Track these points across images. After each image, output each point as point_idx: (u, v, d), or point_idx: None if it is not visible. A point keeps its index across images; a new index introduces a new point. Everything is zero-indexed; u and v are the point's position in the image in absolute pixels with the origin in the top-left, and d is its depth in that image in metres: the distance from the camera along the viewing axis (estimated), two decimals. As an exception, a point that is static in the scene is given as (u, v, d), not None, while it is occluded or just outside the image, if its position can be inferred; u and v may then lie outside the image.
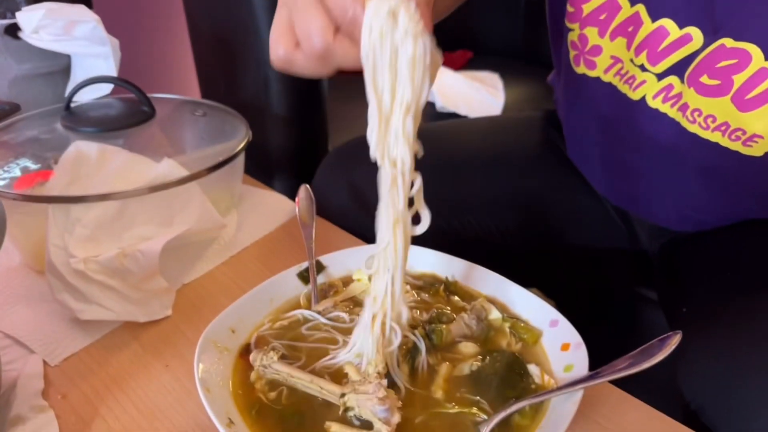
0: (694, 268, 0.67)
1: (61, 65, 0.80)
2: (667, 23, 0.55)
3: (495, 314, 0.53)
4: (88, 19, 0.69)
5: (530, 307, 0.53)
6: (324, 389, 0.45)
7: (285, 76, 0.86)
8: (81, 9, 0.71)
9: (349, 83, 1.06)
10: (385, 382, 0.43)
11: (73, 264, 0.55)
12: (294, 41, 0.38)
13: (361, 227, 0.70)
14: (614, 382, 0.50)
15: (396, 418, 0.42)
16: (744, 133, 0.54)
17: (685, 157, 0.60)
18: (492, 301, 0.54)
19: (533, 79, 1.22)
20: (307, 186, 0.66)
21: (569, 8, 0.61)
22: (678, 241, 0.71)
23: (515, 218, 0.76)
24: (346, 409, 0.43)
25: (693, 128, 0.57)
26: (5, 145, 0.72)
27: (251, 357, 0.48)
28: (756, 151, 0.55)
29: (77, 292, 0.55)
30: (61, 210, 0.58)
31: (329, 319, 0.53)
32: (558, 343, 0.49)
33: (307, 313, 0.53)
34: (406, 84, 0.37)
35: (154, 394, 0.50)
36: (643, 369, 0.43)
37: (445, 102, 1.11)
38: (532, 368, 0.47)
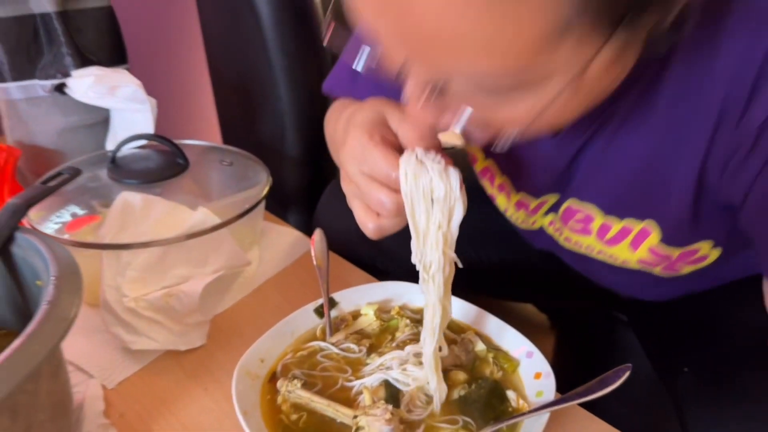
0: (690, 322, 0.73)
1: (102, 117, 0.90)
2: (524, 197, 0.65)
3: (480, 346, 0.63)
4: (130, 84, 0.80)
5: (510, 339, 0.63)
6: (339, 411, 0.55)
7: (299, 124, 0.97)
8: (124, 74, 0.81)
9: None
10: (390, 407, 0.54)
11: (125, 302, 0.65)
12: (374, 215, 0.49)
13: (359, 250, 0.80)
14: (583, 405, 0.60)
15: (398, 437, 0.52)
16: (617, 258, 0.62)
17: (593, 267, 0.68)
18: (478, 334, 0.64)
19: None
20: (321, 229, 0.76)
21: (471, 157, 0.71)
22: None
23: (491, 241, 0.85)
24: (357, 429, 0.53)
25: (583, 252, 0.65)
26: (57, 194, 0.82)
27: (278, 384, 0.58)
28: (632, 266, 0.63)
29: (128, 326, 0.66)
30: (113, 255, 0.68)
31: (341, 349, 0.63)
32: (532, 372, 0.59)
33: (323, 344, 0.64)
34: (437, 211, 0.47)
35: (197, 413, 0.60)
36: (598, 396, 0.53)
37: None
38: (510, 393, 0.57)
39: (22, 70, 0.86)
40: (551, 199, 0.64)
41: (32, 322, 0.46)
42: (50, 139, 0.89)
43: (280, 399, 0.57)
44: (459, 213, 0.47)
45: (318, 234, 0.75)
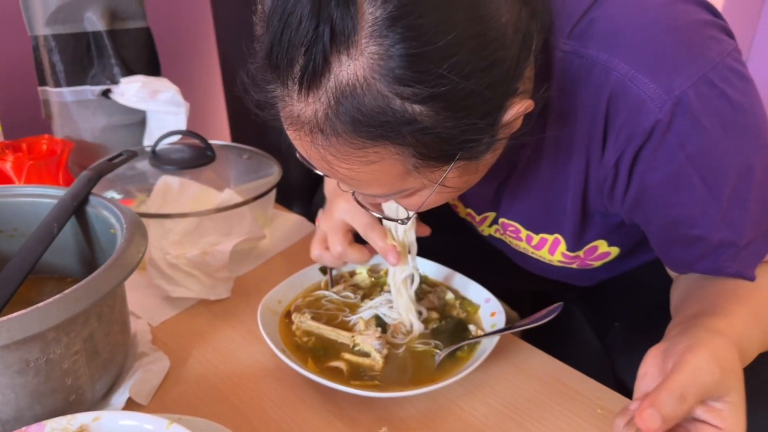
0: (616, 293, 0.90)
1: (139, 119, 1.07)
2: (471, 212, 0.80)
3: (450, 295, 0.80)
4: (169, 89, 0.97)
5: (472, 290, 0.80)
6: (340, 335, 0.71)
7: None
8: (164, 81, 0.99)
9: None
10: (379, 329, 0.70)
11: (169, 259, 0.82)
12: (325, 247, 0.73)
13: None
14: (526, 340, 0.77)
15: (385, 351, 0.69)
16: (544, 258, 0.77)
17: (532, 260, 0.82)
18: (448, 288, 0.82)
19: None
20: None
21: None
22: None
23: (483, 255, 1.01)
24: (354, 345, 0.70)
25: (521, 251, 0.79)
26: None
27: (293, 316, 0.74)
28: (556, 263, 0.78)
29: (169, 278, 0.82)
30: (158, 223, 0.84)
31: (341, 296, 0.80)
32: (488, 312, 0.76)
33: (326, 292, 0.80)
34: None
35: (226, 342, 0.76)
36: (535, 326, 0.70)
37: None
38: (471, 327, 0.74)
39: (75, 78, 1.03)
40: (491, 215, 0.79)
41: (116, 251, 0.63)
42: (94, 136, 1.06)
43: (294, 327, 0.73)
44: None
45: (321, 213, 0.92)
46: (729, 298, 0.59)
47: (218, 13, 1.32)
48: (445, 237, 0.94)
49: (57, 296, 0.54)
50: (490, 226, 0.82)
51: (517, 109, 0.52)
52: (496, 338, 0.70)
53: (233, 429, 0.59)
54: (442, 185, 0.55)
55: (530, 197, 0.71)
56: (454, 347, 0.70)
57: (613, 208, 0.65)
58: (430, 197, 0.58)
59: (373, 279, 0.84)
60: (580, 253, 0.74)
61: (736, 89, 0.55)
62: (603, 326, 0.92)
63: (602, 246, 0.74)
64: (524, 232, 0.75)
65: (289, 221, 1.04)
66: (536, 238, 0.75)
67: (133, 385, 0.66)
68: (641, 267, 0.85)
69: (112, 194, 0.97)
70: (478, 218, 0.81)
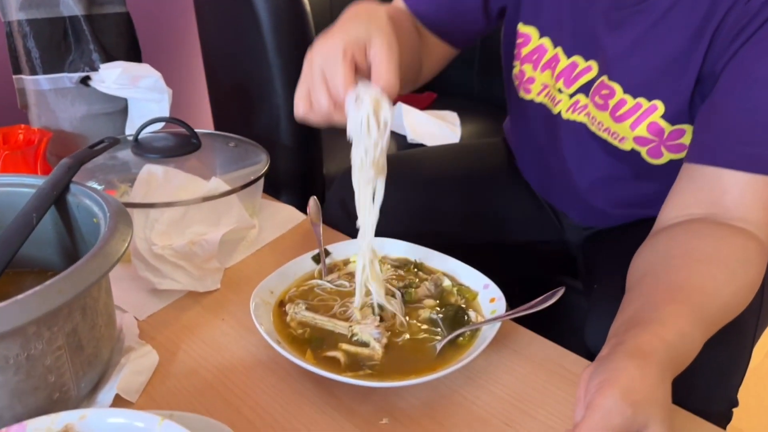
0: (603, 255, 0.92)
1: (120, 107, 1.04)
2: (577, 59, 0.81)
3: (447, 282, 0.77)
4: (151, 75, 0.94)
5: (470, 276, 0.78)
6: (337, 325, 0.69)
7: (294, 117, 1.11)
8: (146, 67, 0.95)
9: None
10: (378, 318, 0.68)
11: (155, 250, 0.78)
12: (309, 105, 0.63)
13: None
14: (527, 326, 0.75)
15: (384, 340, 0.66)
16: (618, 135, 0.79)
17: (589, 150, 0.85)
18: (445, 274, 0.79)
19: (484, 117, 1.50)
20: (315, 197, 0.91)
21: (515, 51, 0.87)
22: (594, 235, 0.98)
23: (475, 222, 1.00)
24: (352, 335, 0.67)
25: (593, 129, 0.82)
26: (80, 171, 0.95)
27: (287, 307, 0.72)
28: (626, 146, 0.79)
29: (156, 270, 0.79)
30: (142, 213, 0.81)
31: (335, 285, 0.77)
32: (488, 298, 0.74)
33: (320, 282, 0.78)
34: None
35: (217, 336, 0.74)
36: (537, 310, 0.68)
37: (413, 135, 1.37)
38: (471, 313, 0.72)
39: (52, 65, 0.99)
40: (590, 73, 0.79)
41: (99, 241, 0.59)
42: (74, 125, 1.02)
43: (288, 318, 0.71)
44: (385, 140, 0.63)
45: (312, 200, 0.90)
46: (673, 295, 0.58)
47: (199, -3, 1.28)
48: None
49: (37, 288, 0.51)
50: (576, 93, 0.81)
51: None
52: (497, 325, 0.68)
53: (227, 423, 0.57)
54: None
55: (649, 53, 0.72)
56: (454, 334, 0.68)
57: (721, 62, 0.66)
58: None
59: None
60: (669, 129, 0.74)
61: None
62: (589, 284, 0.92)
63: (686, 136, 0.75)
64: (619, 96, 0.75)
65: (279, 211, 1.01)
66: (629, 104, 0.75)
67: (120, 381, 0.63)
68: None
69: (94, 185, 0.93)
70: (575, 72, 0.80)
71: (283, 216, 1.00)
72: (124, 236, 0.61)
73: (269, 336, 0.65)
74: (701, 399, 0.68)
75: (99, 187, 0.92)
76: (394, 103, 0.69)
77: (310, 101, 0.62)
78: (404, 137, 1.39)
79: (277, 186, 1.14)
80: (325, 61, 0.60)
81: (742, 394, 0.75)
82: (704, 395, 0.69)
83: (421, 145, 1.36)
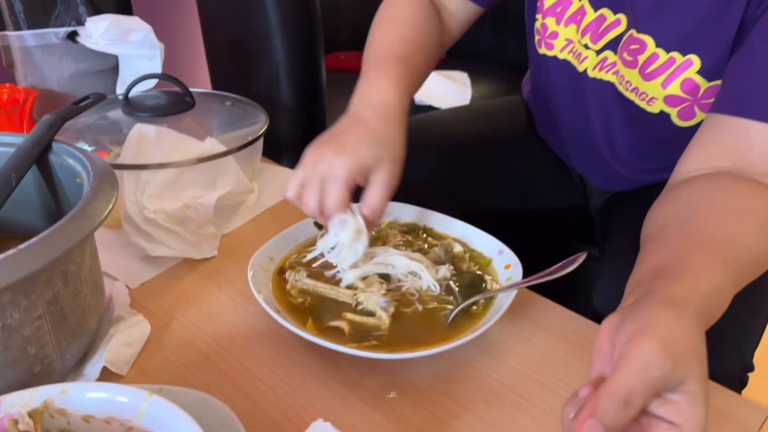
0: (619, 216, 0.88)
1: (110, 65, 0.98)
2: (605, 11, 0.75)
3: (458, 248, 0.72)
4: (142, 28, 0.88)
5: (484, 242, 0.73)
6: (341, 293, 0.64)
7: (293, 73, 1.06)
8: (136, 20, 0.89)
9: (344, 83, 1.25)
10: (384, 284, 0.63)
11: (146, 214, 0.73)
12: (299, 196, 0.65)
13: None
14: (549, 297, 0.70)
15: (392, 309, 0.62)
16: (647, 95, 0.74)
17: (615, 113, 0.80)
18: (456, 240, 0.74)
19: (496, 78, 1.43)
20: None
21: (537, 2, 0.81)
22: (613, 197, 0.93)
23: (496, 188, 0.95)
24: (357, 304, 0.62)
25: (621, 89, 0.77)
26: (68, 131, 0.89)
27: (287, 274, 0.67)
28: (654, 108, 0.74)
29: (148, 236, 0.74)
30: (133, 175, 0.76)
31: (339, 252, 0.72)
32: (503, 264, 0.69)
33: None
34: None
35: (213, 304, 0.69)
36: (558, 276, 0.63)
37: (422, 96, 1.31)
38: (487, 280, 0.67)
39: (37, 20, 0.93)
40: (619, 27, 0.73)
41: (81, 201, 0.54)
42: (61, 84, 0.97)
43: (288, 286, 0.66)
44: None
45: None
46: (704, 245, 0.52)
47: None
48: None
49: (10, 251, 0.46)
50: (603, 50, 0.76)
51: None
52: (513, 293, 0.63)
53: (223, 399, 0.52)
54: None
55: (685, 4, 0.66)
56: (468, 302, 0.63)
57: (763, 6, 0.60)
58: None
59: (373, 232, 0.76)
60: (705, 86, 0.69)
61: None
62: (603, 246, 0.88)
63: None
64: (650, 50, 0.70)
65: (279, 175, 0.96)
66: (662, 59, 0.70)
67: (108, 352, 0.59)
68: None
69: (83, 145, 0.88)
70: (603, 26, 0.75)
71: (284, 180, 0.94)
72: (107, 197, 0.56)
73: (268, 305, 0.61)
74: (715, 361, 0.63)
75: (89, 149, 0.87)
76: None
77: (300, 190, 0.66)
78: (412, 98, 1.32)
79: (277, 149, 1.08)
80: (328, 175, 0.64)
81: (758, 359, 0.72)
82: (718, 358, 0.64)
83: (430, 107, 1.29)
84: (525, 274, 0.66)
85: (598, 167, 0.89)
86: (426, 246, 0.73)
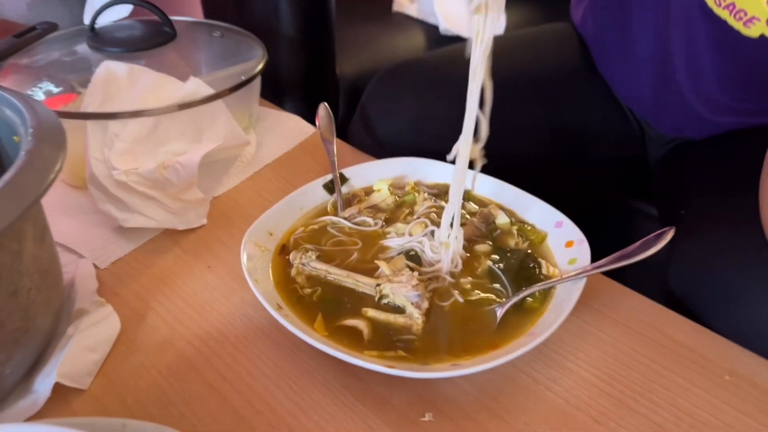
0: (690, 172, 0.73)
1: (76, -13, 0.81)
2: None
3: (503, 218, 0.58)
4: (106, -60, 0.71)
5: (537, 211, 0.58)
6: (360, 282, 0.50)
7: (296, -1, 0.88)
8: (99, -71, 0.72)
9: (357, 8, 1.07)
10: (416, 273, 0.49)
11: (115, 176, 0.59)
12: None
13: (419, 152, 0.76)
14: (612, 277, 0.56)
15: (426, 304, 0.48)
16: (745, 14, 0.59)
17: (701, 35, 0.65)
18: (501, 208, 0.60)
19: (531, 1, 1.24)
20: (326, 104, 0.70)
21: None
22: (680, 147, 0.77)
23: (545, 135, 0.80)
24: (381, 297, 0.49)
25: (710, 3, 0.62)
26: (27, 70, 0.74)
27: (291, 256, 0.53)
28: (753, 32, 0.60)
29: (120, 202, 0.60)
30: (99, 126, 0.61)
31: (355, 223, 0.58)
32: (562, 241, 0.55)
33: (335, 219, 0.58)
34: None
35: (200, 290, 0.56)
36: (640, 259, 0.49)
37: (447, 25, 1.13)
38: (541, 263, 0.53)
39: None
40: None
41: (9, 171, 0.40)
42: (19, 13, 0.80)
43: (293, 271, 0.52)
44: None
45: (323, 108, 0.69)
46: None
47: None
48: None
49: None
50: None
51: None
52: (581, 282, 0.49)
53: (209, 420, 0.40)
54: None
55: None
56: (520, 295, 0.49)
57: None
58: None
59: (396, 197, 0.62)
60: None
61: None
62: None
63: None
64: None
65: (281, 122, 0.81)
66: None
67: (63, 362, 0.46)
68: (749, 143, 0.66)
69: (49, 87, 0.73)
70: None
71: (287, 128, 0.79)
72: (47, 164, 0.42)
73: (266, 299, 0.47)
74: None
75: (56, 90, 0.72)
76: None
77: None
78: (436, 28, 1.14)
79: (278, 90, 0.93)
80: None
81: None
82: None
83: (458, 38, 1.11)
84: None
85: (674, 106, 0.73)
86: (464, 212, 0.59)
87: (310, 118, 0.74)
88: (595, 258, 0.52)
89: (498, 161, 0.67)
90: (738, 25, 0.59)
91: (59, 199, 0.67)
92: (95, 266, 0.58)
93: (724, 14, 0.60)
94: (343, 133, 0.79)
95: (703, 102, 0.70)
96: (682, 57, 0.68)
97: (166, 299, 0.55)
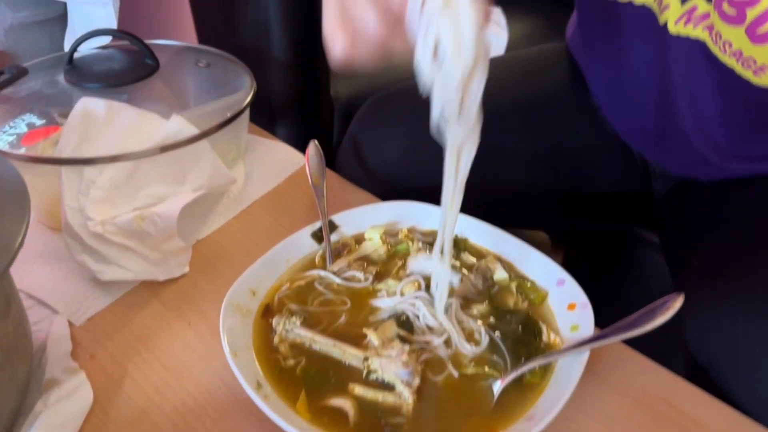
0: (700, 214, 0.69)
1: (57, 12, 0.78)
2: None
3: (501, 274, 0.55)
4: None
5: (537, 266, 0.55)
6: (347, 353, 0.47)
7: (286, 20, 0.84)
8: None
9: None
10: (407, 347, 0.46)
11: (91, 227, 0.56)
12: (349, 35, 0.38)
13: (402, 178, 0.71)
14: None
15: (417, 381, 0.45)
16: (755, 62, 0.55)
17: (705, 81, 0.61)
18: (500, 260, 0.56)
19: (535, 15, 1.19)
20: (316, 142, 0.67)
21: None
22: (687, 186, 0.73)
23: (539, 167, 0.76)
24: (369, 372, 0.46)
25: (714, 50, 0.57)
26: (9, 101, 0.71)
27: (274, 322, 0.50)
28: (764, 81, 0.56)
29: (96, 254, 0.57)
30: (74, 171, 0.58)
31: (344, 278, 0.55)
32: (564, 303, 0.51)
33: (323, 273, 0.55)
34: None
35: (179, 351, 0.52)
36: (645, 331, 0.45)
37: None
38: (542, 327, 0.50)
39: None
40: None
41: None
42: (-3, 39, 0.77)
43: (276, 339, 0.49)
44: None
45: (313, 147, 0.66)
46: None
47: None
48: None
49: None
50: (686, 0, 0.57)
51: None
52: (584, 356, 0.46)
53: None
54: None
55: None
56: (519, 371, 0.46)
57: None
58: None
59: (389, 246, 0.58)
60: None
61: None
62: (679, 257, 0.70)
63: None
64: (763, 4, 0.51)
65: (272, 152, 0.77)
66: None
67: (28, 445, 0.43)
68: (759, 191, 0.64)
69: (32, 119, 0.70)
70: None
71: (278, 159, 0.76)
72: (6, 242, 0.39)
73: (246, 376, 0.44)
74: None
75: (39, 123, 0.69)
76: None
77: (348, 29, 0.38)
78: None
79: (271, 114, 0.89)
80: None
81: None
82: None
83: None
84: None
85: (677, 149, 0.69)
86: (458, 264, 0.56)
87: (304, 140, 0.70)
88: (595, 296, 0.49)
89: (492, 193, 0.64)
90: (747, 74, 0.55)
91: (36, 243, 0.64)
92: (70, 323, 0.55)
93: (730, 62, 0.56)
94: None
95: (710, 148, 0.66)
96: (685, 102, 0.63)
97: (143, 362, 0.52)
